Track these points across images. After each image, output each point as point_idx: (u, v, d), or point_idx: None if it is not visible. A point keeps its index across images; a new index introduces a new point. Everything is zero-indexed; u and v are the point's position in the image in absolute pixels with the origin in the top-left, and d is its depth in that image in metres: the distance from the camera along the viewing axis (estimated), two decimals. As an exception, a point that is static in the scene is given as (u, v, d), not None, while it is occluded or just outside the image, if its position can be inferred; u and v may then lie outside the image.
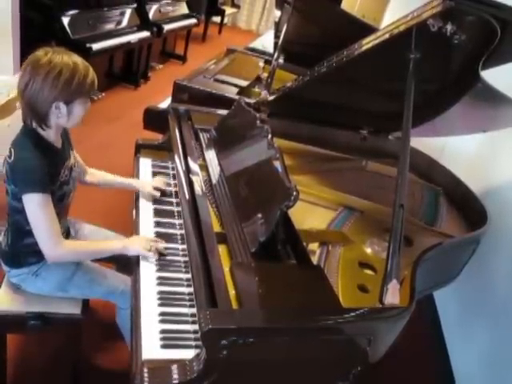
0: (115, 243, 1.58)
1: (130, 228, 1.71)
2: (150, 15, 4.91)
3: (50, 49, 1.40)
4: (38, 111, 1.38)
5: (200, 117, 2.19)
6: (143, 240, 1.54)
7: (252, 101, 2.38)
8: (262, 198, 1.49)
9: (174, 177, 1.94)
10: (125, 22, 4.44)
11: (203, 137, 2.05)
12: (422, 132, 2.08)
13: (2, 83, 2.74)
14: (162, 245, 1.53)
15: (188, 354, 1.17)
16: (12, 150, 1.41)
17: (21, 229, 1.50)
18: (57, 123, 1.44)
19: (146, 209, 1.77)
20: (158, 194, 1.83)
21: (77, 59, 1.41)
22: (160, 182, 1.89)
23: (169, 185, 1.91)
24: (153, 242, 1.53)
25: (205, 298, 1.20)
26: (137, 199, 1.83)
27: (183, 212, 1.57)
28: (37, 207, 1.39)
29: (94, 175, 1.85)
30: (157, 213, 1.75)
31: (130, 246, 1.52)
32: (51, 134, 1.47)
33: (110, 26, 4.22)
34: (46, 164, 1.39)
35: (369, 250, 1.65)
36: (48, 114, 1.39)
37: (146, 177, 1.98)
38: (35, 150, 1.40)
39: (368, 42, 1.58)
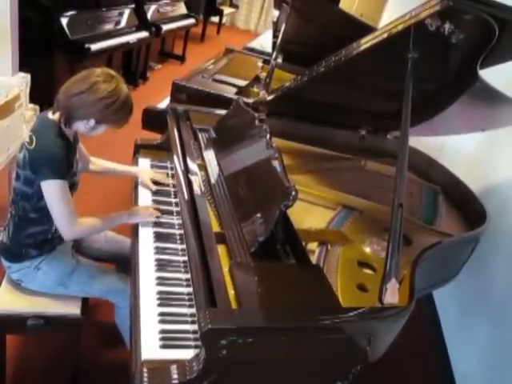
0: (121, 214, 1.67)
1: (129, 228, 1.72)
2: (149, 15, 4.91)
3: (116, 76, 1.50)
4: (71, 115, 1.47)
5: (199, 117, 2.19)
6: (144, 208, 1.72)
7: (251, 100, 2.38)
8: (261, 198, 1.49)
9: (173, 177, 1.94)
10: (123, 23, 4.43)
11: (202, 137, 2.04)
12: (420, 131, 2.09)
13: (0, 84, 2.73)
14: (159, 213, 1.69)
15: (187, 354, 1.17)
16: (33, 137, 1.47)
17: (25, 217, 1.55)
18: (77, 128, 1.53)
19: (145, 209, 1.78)
20: (153, 187, 1.87)
21: (129, 93, 1.53)
22: (159, 176, 1.95)
23: (167, 183, 1.94)
24: (152, 209, 1.70)
25: (204, 298, 1.19)
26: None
27: (182, 212, 1.57)
28: (57, 192, 1.46)
29: (96, 164, 1.92)
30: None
31: (133, 213, 1.67)
32: (67, 130, 1.55)
33: (109, 27, 4.22)
34: (64, 153, 1.47)
35: (368, 250, 1.65)
36: (77, 120, 1.49)
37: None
38: (56, 139, 1.48)
39: (366, 42, 1.58)
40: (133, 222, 1.67)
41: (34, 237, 1.58)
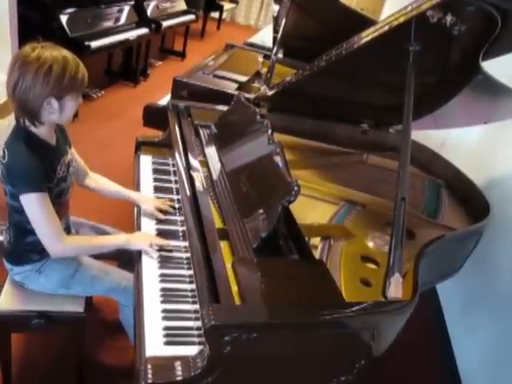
0: (118, 237, 1.61)
1: (131, 225, 1.71)
2: (148, 12, 4.89)
3: (37, 44, 1.37)
4: (29, 109, 1.36)
5: (200, 113, 2.18)
6: (146, 236, 1.56)
7: (252, 96, 2.38)
8: (264, 194, 1.49)
9: (175, 173, 1.93)
10: (123, 19, 4.41)
11: (203, 133, 2.04)
12: (422, 125, 2.08)
13: (0, 83, 2.73)
14: (164, 242, 1.54)
15: (191, 350, 1.17)
16: (5, 151, 1.40)
17: (22, 228, 1.51)
18: (49, 119, 1.41)
19: (148, 206, 1.77)
20: (161, 215, 1.70)
21: (66, 53, 1.39)
22: (162, 203, 1.75)
23: (173, 207, 1.76)
24: (155, 238, 1.55)
25: (207, 294, 1.20)
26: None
27: (184, 208, 1.57)
28: (35, 206, 1.40)
29: (95, 180, 1.81)
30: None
31: (133, 240, 1.54)
32: (44, 131, 1.45)
33: (109, 24, 4.20)
34: (39, 162, 1.39)
35: (371, 244, 1.65)
36: (40, 110, 1.37)
37: (147, 174, 1.97)
38: (27, 149, 1.39)
39: (367, 35, 1.57)
40: (130, 248, 1.54)
41: (34, 244, 1.51)
